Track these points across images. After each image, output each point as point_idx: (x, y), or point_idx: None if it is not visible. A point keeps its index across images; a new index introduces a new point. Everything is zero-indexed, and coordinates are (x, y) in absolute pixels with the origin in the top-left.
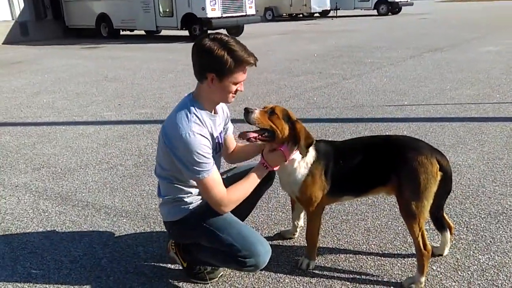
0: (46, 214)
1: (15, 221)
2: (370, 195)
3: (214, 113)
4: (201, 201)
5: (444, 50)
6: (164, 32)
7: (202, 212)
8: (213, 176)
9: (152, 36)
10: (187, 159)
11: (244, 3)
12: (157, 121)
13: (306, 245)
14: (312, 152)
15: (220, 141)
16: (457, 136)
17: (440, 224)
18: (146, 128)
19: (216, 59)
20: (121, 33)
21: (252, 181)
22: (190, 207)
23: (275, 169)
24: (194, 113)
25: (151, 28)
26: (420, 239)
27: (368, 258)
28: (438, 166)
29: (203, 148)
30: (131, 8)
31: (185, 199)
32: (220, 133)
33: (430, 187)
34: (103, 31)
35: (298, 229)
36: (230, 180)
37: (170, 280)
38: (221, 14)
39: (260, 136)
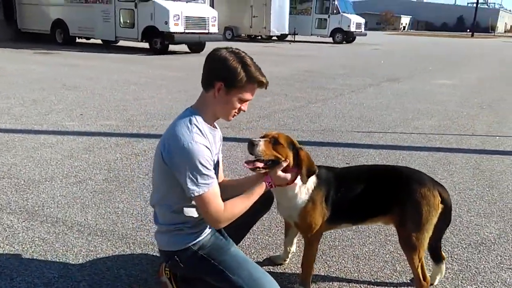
0: (12, 229)
1: None
2: (368, 223)
3: (214, 128)
4: (206, 230)
5: (400, 80)
6: (121, 43)
7: (208, 247)
8: (214, 190)
9: (109, 46)
10: (190, 171)
11: (207, 20)
12: (124, 135)
13: (299, 271)
14: (313, 178)
15: (218, 160)
16: (426, 165)
17: (437, 256)
18: (113, 141)
19: (229, 68)
20: (77, 40)
21: (251, 198)
22: (194, 237)
23: (273, 191)
24: (195, 124)
25: (110, 38)
26: (419, 270)
27: (361, 286)
28: (440, 198)
29: (206, 158)
30: (90, 16)
31: (188, 227)
32: (217, 152)
33: (432, 219)
34: (58, 37)
35: (289, 255)
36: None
37: None
38: (184, 29)
39: (266, 165)
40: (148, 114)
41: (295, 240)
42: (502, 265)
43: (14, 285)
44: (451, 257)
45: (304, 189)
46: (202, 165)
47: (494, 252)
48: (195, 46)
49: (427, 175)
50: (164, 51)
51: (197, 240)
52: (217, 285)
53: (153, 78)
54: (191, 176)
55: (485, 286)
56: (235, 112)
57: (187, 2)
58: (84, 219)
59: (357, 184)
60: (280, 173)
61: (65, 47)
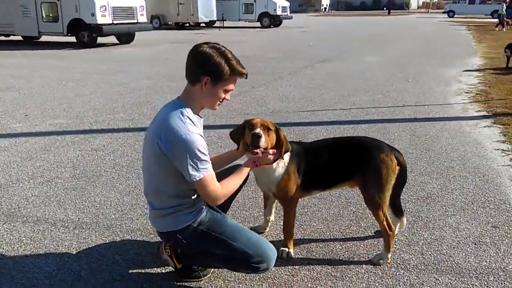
0: None
1: None
2: (336, 188)
3: (199, 117)
4: (202, 208)
5: (331, 61)
6: (44, 38)
7: (207, 222)
8: (211, 172)
9: (31, 42)
10: (190, 158)
11: (135, 10)
12: (77, 132)
13: (280, 238)
14: (288, 153)
15: None
16: (369, 135)
17: (398, 210)
18: (68, 139)
19: (214, 64)
20: None
21: (242, 176)
22: (193, 215)
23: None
24: (187, 116)
25: (33, 34)
26: (385, 223)
27: (335, 242)
28: (396, 161)
29: (203, 145)
30: (8, 11)
31: (187, 207)
32: None
33: (390, 180)
34: None
35: (269, 224)
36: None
37: (162, 283)
38: (112, 20)
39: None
40: (95, 109)
41: (273, 210)
42: (447, 213)
43: (16, 281)
44: (405, 210)
45: (281, 164)
46: (201, 152)
47: (439, 204)
48: (124, 37)
49: (384, 142)
50: (92, 44)
51: (195, 218)
52: (219, 253)
53: (88, 72)
54: (191, 163)
55: (436, 231)
56: (221, 102)
57: None
58: (65, 215)
59: (324, 155)
60: (266, 153)
61: None
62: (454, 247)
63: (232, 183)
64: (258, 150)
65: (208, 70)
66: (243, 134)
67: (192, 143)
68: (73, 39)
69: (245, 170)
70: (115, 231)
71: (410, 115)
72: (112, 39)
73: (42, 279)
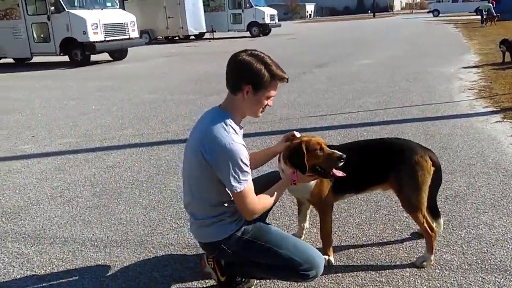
0: (24, 256)
1: None
2: (368, 191)
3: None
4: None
5: (328, 65)
6: (36, 59)
7: (251, 231)
8: (251, 184)
9: (23, 64)
10: (233, 168)
11: (127, 26)
12: (89, 150)
13: (316, 246)
14: None
15: None
16: (385, 137)
17: (435, 212)
18: (81, 158)
19: (254, 72)
20: None
21: (280, 192)
22: (236, 223)
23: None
24: (230, 125)
25: (25, 55)
26: (425, 225)
27: (373, 247)
28: (431, 162)
29: (246, 155)
30: None
31: (228, 216)
32: None
33: (427, 181)
34: None
35: (304, 231)
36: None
37: None
38: (104, 37)
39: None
40: (102, 127)
41: (307, 217)
42: (479, 210)
43: None
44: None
45: None
46: (243, 162)
47: (469, 201)
48: (117, 54)
49: (416, 143)
50: (86, 62)
51: (239, 226)
52: (265, 262)
53: (88, 91)
54: (234, 173)
55: (472, 229)
56: (264, 109)
57: (102, 9)
58: (93, 234)
59: (355, 157)
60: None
61: None
62: (493, 245)
63: (270, 198)
64: (341, 174)
65: (248, 78)
66: (304, 155)
67: (236, 153)
68: (66, 58)
69: (281, 187)
70: (147, 248)
71: (419, 115)
72: (105, 56)
73: None
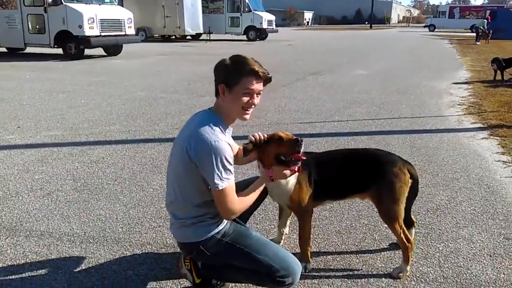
0: None
1: None
2: (347, 199)
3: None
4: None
5: (322, 74)
6: (29, 49)
7: (231, 234)
8: (233, 184)
9: (15, 54)
10: (217, 166)
11: (123, 22)
12: (74, 143)
13: (295, 251)
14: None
15: None
16: (370, 147)
17: (408, 222)
18: (65, 151)
19: (224, 70)
20: None
21: (258, 191)
22: (216, 226)
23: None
24: (217, 125)
25: (19, 46)
26: (402, 235)
27: (351, 255)
28: (409, 175)
29: (230, 154)
30: None
31: (210, 217)
32: None
33: (404, 193)
34: None
35: (283, 237)
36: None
37: None
38: (100, 32)
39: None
40: (90, 121)
41: (288, 222)
42: (459, 225)
43: None
44: (417, 222)
45: (293, 175)
46: (227, 160)
47: (449, 215)
48: (112, 49)
49: (396, 155)
50: (79, 56)
51: (220, 228)
52: (243, 266)
53: (79, 84)
54: (217, 171)
55: (451, 243)
56: (247, 108)
57: (100, 5)
58: (70, 229)
59: (336, 165)
60: (278, 168)
61: None
62: (470, 259)
63: (248, 198)
64: (302, 156)
65: (221, 78)
66: (268, 148)
67: (220, 151)
68: (58, 51)
69: (260, 186)
70: (124, 245)
71: (407, 127)
72: (100, 51)
73: None
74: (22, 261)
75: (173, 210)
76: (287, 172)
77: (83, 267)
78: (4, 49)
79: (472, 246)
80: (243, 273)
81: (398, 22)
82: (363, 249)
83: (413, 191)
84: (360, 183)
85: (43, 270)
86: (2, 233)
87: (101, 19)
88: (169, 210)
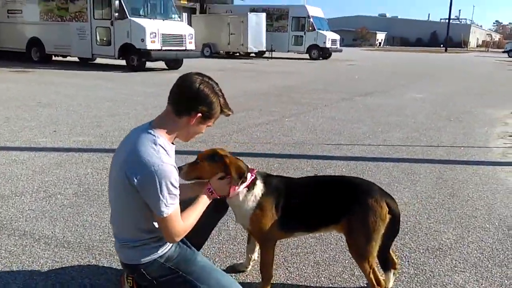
0: None
1: None
2: (321, 231)
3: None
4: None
5: (373, 95)
6: (98, 60)
7: (175, 258)
8: (177, 207)
9: (85, 64)
10: (161, 193)
11: (184, 37)
12: (97, 150)
13: (260, 278)
14: (259, 185)
15: None
16: (391, 175)
17: (385, 264)
18: (85, 157)
19: (209, 103)
20: (54, 58)
21: (199, 208)
22: (159, 249)
23: (228, 202)
24: (160, 144)
25: (87, 56)
26: (371, 276)
27: None
28: (387, 209)
29: (175, 177)
30: (66, 34)
31: (154, 241)
32: None
33: (379, 229)
34: (34, 55)
35: (251, 262)
36: None
37: None
38: (161, 47)
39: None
40: (122, 129)
41: (257, 248)
42: (456, 268)
43: None
44: (408, 261)
45: (251, 197)
46: (173, 185)
47: (449, 257)
48: (173, 63)
49: (376, 186)
50: (141, 68)
51: (163, 252)
52: None
53: (130, 94)
54: (162, 198)
55: None
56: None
57: (163, 20)
58: (52, 232)
59: (308, 194)
60: (217, 181)
61: (41, 65)
62: None
63: (190, 216)
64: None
65: (201, 108)
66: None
67: (165, 176)
68: (123, 62)
69: (201, 201)
70: (94, 254)
71: (442, 156)
72: (161, 64)
73: None
74: None
75: (115, 232)
76: (224, 183)
77: (45, 270)
78: (76, 59)
79: None
80: None
81: (477, 46)
82: (336, 285)
83: (392, 229)
84: (332, 214)
85: (8, 269)
86: None
87: (163, 34)
88: (113, 229)
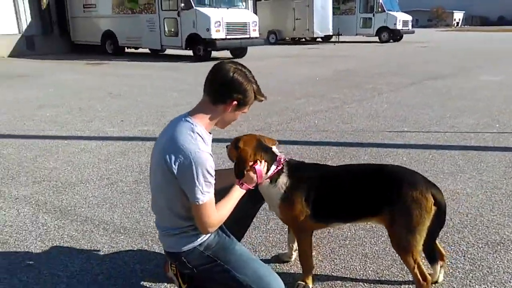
0: (45, 227)
1: (13, 234)
2: (359, 222)
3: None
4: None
5: (445, 78)
6: (168, 51)
7: (214, 247)
8: (212, 196)
9: (156, 55)
10: (198, 180)
11: (248, 25)
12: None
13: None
14: (283, 178)
15: None
16: (456, 164)
17: (431, 256)
18: (148, 145)
19: (244, 91)
20: (126, 50)
21: (234, 199)
22: (199, 237)
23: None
24: (198, 132)
25: (156, 47)
26: (416, 271)
27: (365, 284)
28: (433, 200)
29: (211, 165)
30: (137, 26)
31: (193, 229)
32: None
33: (424, 222)
34: (108, 48)
35: (294, 252)
36: None
37: None
38: (225, 35)
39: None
40: None
41: None
42: None
43: (41, 277)
44: (464, 256)
45: (274, 188)
46: (209, 173)
47: (511, 252)
48: (237, 51)
49: (420, 175)
50: (207, 57)
51: (202, 240)
52: (223, 282)
53: (195, 85)
54: (198, 185)
55: (495, 286)
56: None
57: (228, 8)
58: (111, 218)
59: (344, 183)
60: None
61: (115, 57)
62: None
63: (226, 208)
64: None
65: (237, 96)
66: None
67: (202, 163)
68: (191, 52)
69: (233, 193)
70: (146, 240)
71: None
72: (226, 53)
73: (63, 278)
74: (58, 242)
75: (157, 220)
76: (253, 176)
77: (101, 255)
78: (147, 51)
79: None
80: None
81: None
82: (383, 279)
83: (438, 221)
84: (372, 205)
85: (68, 253)
86: (55, 216)
87: (227, 22)
88: (155, 220)
